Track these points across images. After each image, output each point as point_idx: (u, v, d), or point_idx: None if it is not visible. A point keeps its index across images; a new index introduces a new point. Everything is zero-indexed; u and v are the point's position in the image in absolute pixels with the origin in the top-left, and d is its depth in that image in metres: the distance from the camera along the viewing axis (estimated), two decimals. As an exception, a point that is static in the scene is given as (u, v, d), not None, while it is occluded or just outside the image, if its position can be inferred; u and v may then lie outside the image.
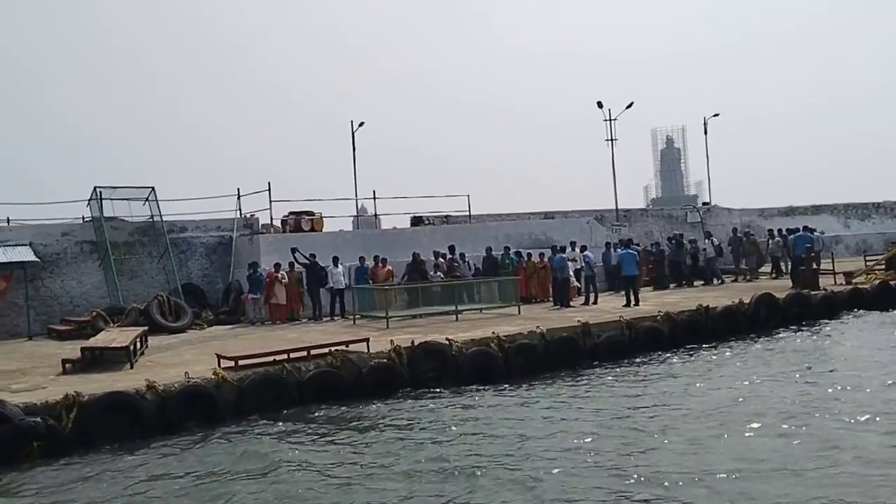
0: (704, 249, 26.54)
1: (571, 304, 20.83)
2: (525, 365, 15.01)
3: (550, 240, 25.09)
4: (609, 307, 19.69)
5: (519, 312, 19.36)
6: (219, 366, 12.97)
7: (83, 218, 22.07)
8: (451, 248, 22.56)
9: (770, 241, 27.07)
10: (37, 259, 19.97)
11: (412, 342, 14.38)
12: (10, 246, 19.86)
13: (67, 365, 13.75)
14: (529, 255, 23.13)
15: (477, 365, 14.45)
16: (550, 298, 22.17)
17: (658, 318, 17.45)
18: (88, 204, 21.46)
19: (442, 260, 21.82)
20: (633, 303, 19.94)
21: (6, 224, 21.92)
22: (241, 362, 12.96)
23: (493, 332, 15.46)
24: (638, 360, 15.68)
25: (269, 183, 23.10)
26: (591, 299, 21.13)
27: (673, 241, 26.63)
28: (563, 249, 21.80)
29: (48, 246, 20.78)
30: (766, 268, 26.99)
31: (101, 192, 21.31)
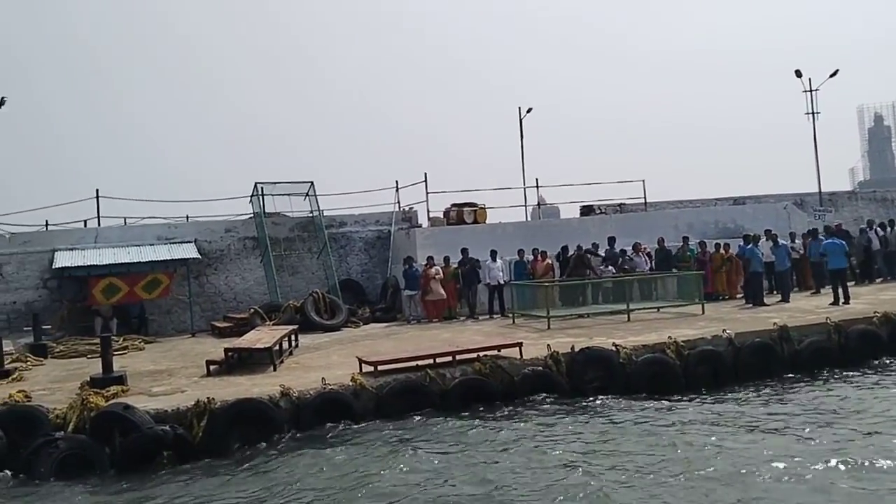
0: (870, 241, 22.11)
1: (766, 302, 18.11)
2: (708, 375, 12.85)
3: (741, 228, 22.24)
4: (811, 306, 16.85)
5: (703, 312, 16.98)
6: (359, 370, 11.94)
7: (254, 213, 22.06)
8: (611, 241, 20.44)
9: None
10: (199, 256, 20.11)
11: (572, 347, 12.62)
12: (175, 243, 20.16)
13: (212, 366, 13.25)
14: (718, 245, 20.45)
15: (649, 375, 12.47)
16: (741, 295, 19.49)
17: (875, 319, 14.51)
18: (250, 200, 21.44)
19: (593, 255, 19.73)
20: (841, 301, 16.93)
21: (185, 221, 22.45)
22: (380, 367, 11.82)
23: (670, 337, 13.37)
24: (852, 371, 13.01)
25: (425, 174, 22.09)
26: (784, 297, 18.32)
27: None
28: (756, 239, 19.01)
29: (212, 242, 20.94)
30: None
31: (262, 188, 21.19)
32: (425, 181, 22.12)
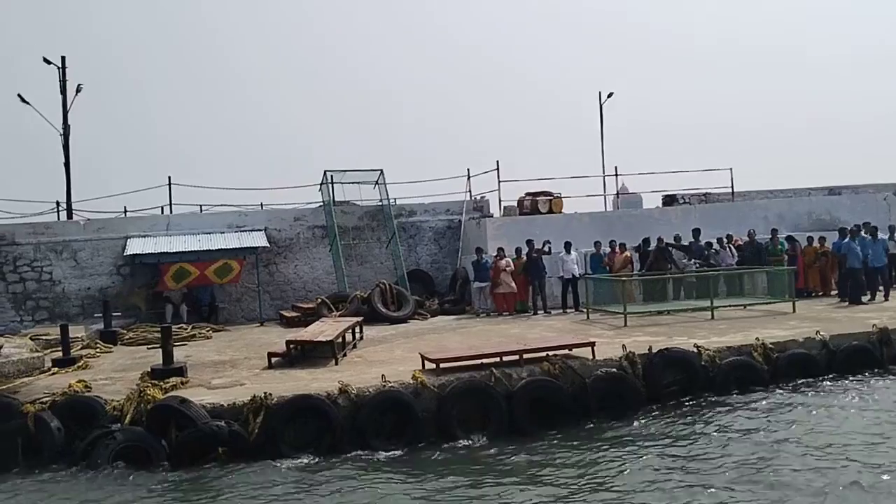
0: None
1: (864, 300, 16.78)
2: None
3: (836, 220, 20.79)
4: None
5: (794, 311, 15.81)
6: (422, 367, 11.40)
7: (323, 202, 21.81)
8: (696, 233, 19.27)
9: None
10: (267, 244, 19.97)
11: (650, 348, 11.75)
12: (245, 231, 20.08)
13: (274, 359, 12.95)
14: (811, 238, 19.10)
15: (733, 379, 11.54)
16: (835, 292, 18.14)
17: None
18: (320, 188, 21.17)
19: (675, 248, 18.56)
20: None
21: (254, 209, 22.42)
22: (442, 365, 11.23)
23: (758, 338, 12.37)
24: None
25: (497, 162, 21.33)
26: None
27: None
28: (854, 233, 17.60)
29: (282, 231, 20.77)
30: None
31: (331, 176, 20.89)
32: (497, 169, 21.41)
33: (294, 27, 68.56)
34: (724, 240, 19.08)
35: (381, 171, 21.17)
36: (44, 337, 15.67)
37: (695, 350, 11.83)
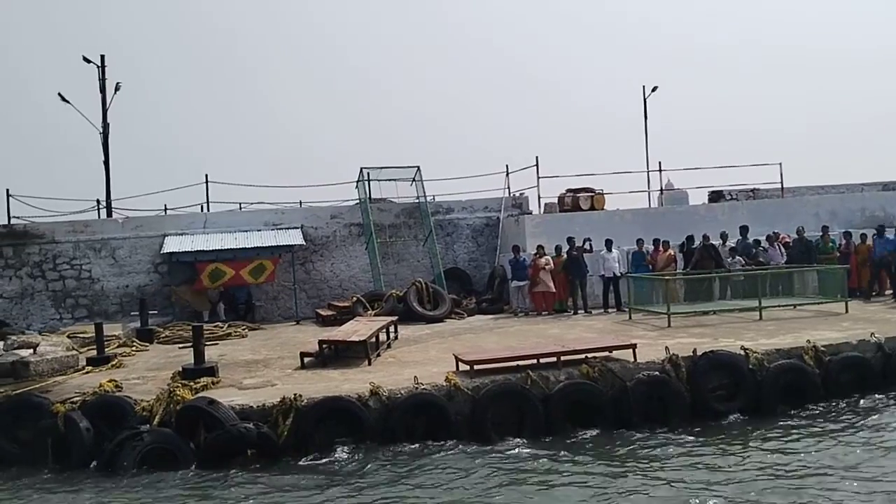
0: None
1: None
2: (852, 386, 11.33)
3: (890, 217, 19.94)
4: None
5: (846, 311, 15.12)
6: (456, 369, 11.07)
7: (360, 199, 21.62)
8: (743, 230, 18.55)
9: None
10: (303, 242, 19.84)
11: (694, 350, 11.24)
12: (282, 229, 19.98)
13: (306, 358, 12.74)
14: (864, 235, 18.33)
15: (782, 384, 10.97)
16: (890, 291, 17.35)
17: None
18: (357, 185, 20.97)
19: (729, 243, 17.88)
20: None
21: (291, 207, 22.31)
22: (477, 367, 10.88)
23: (809, 341, 11.78)
24: None
25: (536, 157, 20.80)
26: None
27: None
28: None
29: (318, 229, 20.63)
30: None
31: (368, 173, 20.67)
32: (536, 165, 20.91)
33: (333, 28, 68.79)
34: (773, 236, 18.38)
35: (418, 167, 20.91)
36: (81, 335, 15.69)
37: (742, 353, 11.28)
